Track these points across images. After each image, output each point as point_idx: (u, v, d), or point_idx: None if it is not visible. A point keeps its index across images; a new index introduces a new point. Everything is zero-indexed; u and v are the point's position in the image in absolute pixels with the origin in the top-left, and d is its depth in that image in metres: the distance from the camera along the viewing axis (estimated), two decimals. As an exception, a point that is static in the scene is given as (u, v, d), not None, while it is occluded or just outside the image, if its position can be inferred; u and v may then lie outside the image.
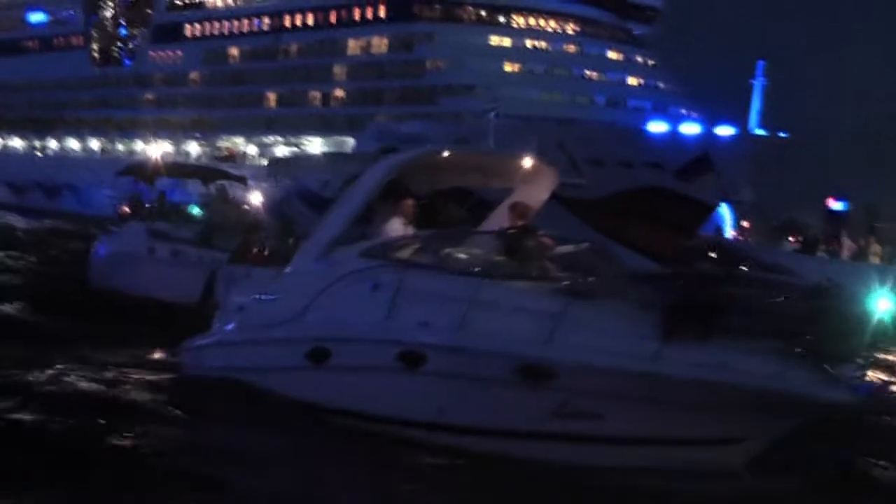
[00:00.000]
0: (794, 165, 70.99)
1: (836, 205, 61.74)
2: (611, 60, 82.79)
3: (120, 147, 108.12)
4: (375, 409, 13.79)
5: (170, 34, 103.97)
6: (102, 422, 14.12)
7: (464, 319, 13.14)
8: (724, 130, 70.78)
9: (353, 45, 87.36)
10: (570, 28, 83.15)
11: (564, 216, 68.17)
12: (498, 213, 16.69)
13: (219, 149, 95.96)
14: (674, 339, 12.32)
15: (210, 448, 13.54)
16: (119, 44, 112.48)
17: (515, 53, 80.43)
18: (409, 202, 15.73)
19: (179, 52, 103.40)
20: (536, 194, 16.72)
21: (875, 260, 30.35)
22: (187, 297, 27.83)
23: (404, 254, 14.74)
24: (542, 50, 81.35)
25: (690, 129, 71.97)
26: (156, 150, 49.48)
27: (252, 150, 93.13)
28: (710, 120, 75.35)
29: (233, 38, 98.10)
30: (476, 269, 14.14)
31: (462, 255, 14.73)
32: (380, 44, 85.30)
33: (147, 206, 35.07)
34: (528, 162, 16.42)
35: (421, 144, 77.22)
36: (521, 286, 13.73)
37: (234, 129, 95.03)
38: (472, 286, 13.43)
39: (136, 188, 41.72)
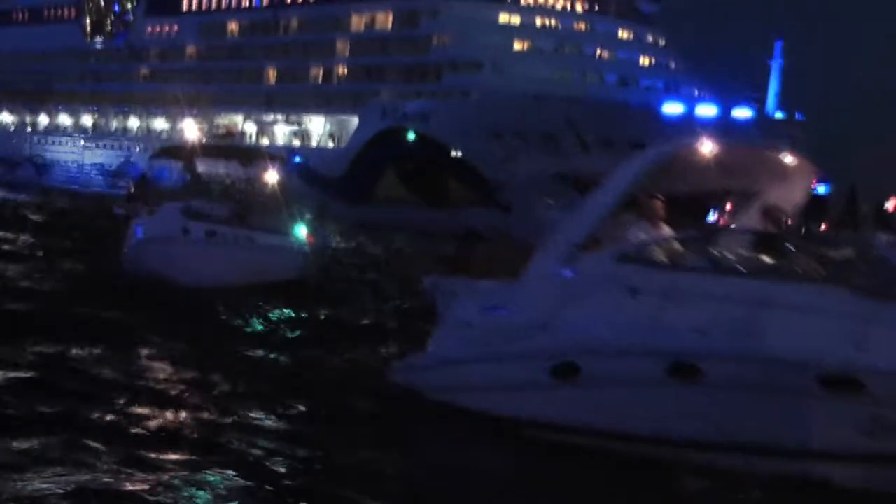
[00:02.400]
0: (801, 147, 69.44)
1: (819, 188, 61.22)
2: (621, 39, 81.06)
3: (114, 122, 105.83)
4: (638, 428, 12.22)
5: (166, 7, 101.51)
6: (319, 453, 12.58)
7: (748, 324, 11.55)
8: (742, 112, 69.06)
9: (356, 21, 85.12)
10: (580, 6, 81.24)
11: (562, 191, 66.91)
12: (748, 216, 14.81)
13: (217, 126, 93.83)
14: None
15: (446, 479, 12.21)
16: (112, 17, 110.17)
17: (524, 31, 78.46)
18: (658, 202, 14.05)
19: (175, 26, 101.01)
20: (791, 195, 14.83)
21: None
22: (222, 276, 26.92)
23: (664, 256, 13.15)
24: (551, 28, 79.41)
25: (707, 110, 70.16)
26: (191, 131, 48.59)
27: (251, 127, 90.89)
28: (724, 100, 73.63)
29: (231, 11, 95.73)
30: (753, 270, 12.49)
31: (729, 256, 13.06)
32: (384, 19, 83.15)
33: (149, 186, 34.61)
34: (785, 158, 14.53)
35: (426, 122, 76.20)
36: (812, 287, 12.02)
37: (232, 106, 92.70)
38: (754, 287, 11.86)
39: (139, 168, 41.04)
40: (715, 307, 11.84)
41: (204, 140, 53.64)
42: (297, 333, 21.37)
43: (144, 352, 17.44)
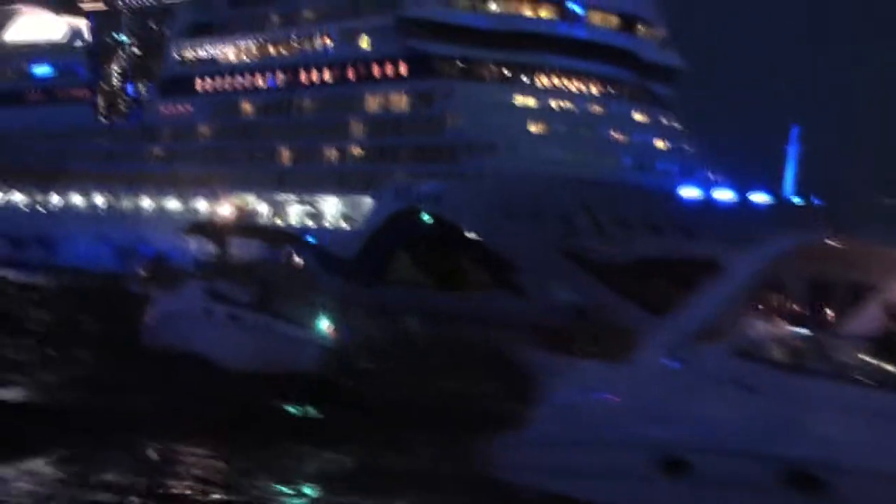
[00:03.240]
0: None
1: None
2: (636, 121, 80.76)
3: (125, 202, 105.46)
4: None
5: (180, 88, 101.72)
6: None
7: (875, 439, 11.24)
8: (759, 198, 68.36)
9: (370, 101, 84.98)
10: (594, 88, 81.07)
11: (583, 278, 66.06)
12: (868, 311, 14.20)
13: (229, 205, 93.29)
14: None
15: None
16: (125, 97, 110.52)
17: (539, 113, 78.30)
18: (777, 296, 13.55)
19: (189, 106, 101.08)
20: None
21: None
22: (242, 362, 26.48)
23: (782, 355, 12.80)
24: (566, 110, 79.17)
25: (724, 195, 69.54)
26: (224, 208, 48.59)
27: (264, 207, 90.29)
28: (739, 185, 73.05)
29: (245, 92, 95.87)
30: (876, 380, 12.16)
31: (850, 360, 12.44)
32: (399, 100, 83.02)
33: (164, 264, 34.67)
34: None
35: (440, 203, 75.65)
36: None
37: (245, 186, 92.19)
38: (878, 399, 11.62)
39: (152, 247, 40.53)
40: (838, 417, 11.39)
41: (234, 219, 53.18)
42: (344, 423, 20.64)
43: (182, 445, 16.66)
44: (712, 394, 12.22)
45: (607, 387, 13.35)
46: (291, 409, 21.77)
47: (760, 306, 13.43)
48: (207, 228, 37.31)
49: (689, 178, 75.92)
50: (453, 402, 21.41)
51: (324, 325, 30.02)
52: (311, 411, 21.58)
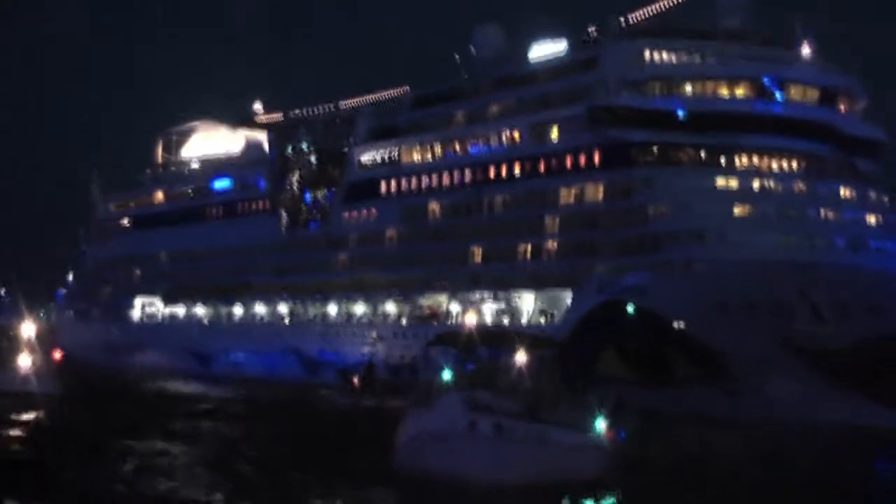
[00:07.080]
0: None
1: None
2: (845, 199, 76.50)
3: (311, 311, 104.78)
4: None
5: (363, 193, 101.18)
6: None
7: None
8: None
9: (565, 195, 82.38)
10: (796, 166, 77.30)
11: (794, 366, 61.76)
12: None
13: (420, 307, 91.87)
14: None
15: None
16: (307, 206, 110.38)
17: (743, 195, 74.52)
18: None
19: (374, 211, 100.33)
20: None
21: None
22: (514, 477, 24.14)
23: None
24: (770, 190, 75.43)
25: (954, 269, 65.04)
26: (469, 318, 47.39)
27: (456, 307, 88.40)
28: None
29: (433, 192, 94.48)
30: None
31: None
32: (595, 192, 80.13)
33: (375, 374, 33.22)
34: None
35: (645, 296, 72.37)
36: None
37: (435, 287, 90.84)
38: None
39: (369, 356, 38.65)
40: None
41: (475, 326, 51.65)
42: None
43: None
44: None
45: None
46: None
47: None
48: (454, 338, 35.25)
49: (908, 255, 71.71)
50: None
51: (601, 426, 27.58)
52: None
